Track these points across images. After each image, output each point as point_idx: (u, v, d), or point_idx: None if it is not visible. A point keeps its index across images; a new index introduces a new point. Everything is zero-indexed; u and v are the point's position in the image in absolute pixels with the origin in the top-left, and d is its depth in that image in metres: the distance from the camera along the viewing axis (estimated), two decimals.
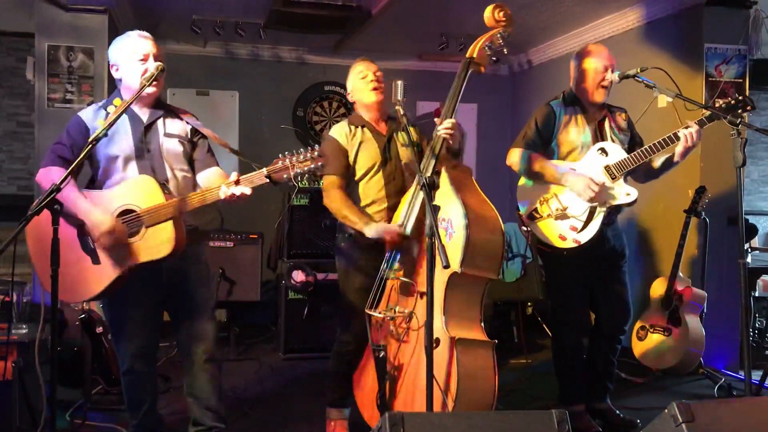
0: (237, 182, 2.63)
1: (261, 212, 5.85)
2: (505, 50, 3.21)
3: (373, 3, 5.31)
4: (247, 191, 2.63)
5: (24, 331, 3.42)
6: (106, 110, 2.85)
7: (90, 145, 2.51)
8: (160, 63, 2.77)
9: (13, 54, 6.57)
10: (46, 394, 3.23)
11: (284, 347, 5.00)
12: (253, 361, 4.94)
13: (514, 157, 3.47)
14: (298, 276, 4.94)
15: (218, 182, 2.86)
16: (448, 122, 2.99)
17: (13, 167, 6.67)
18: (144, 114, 2.88)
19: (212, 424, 2.98)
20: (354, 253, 3.28)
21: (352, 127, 3.32)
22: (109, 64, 2.89)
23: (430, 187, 2.60)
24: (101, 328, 3.80)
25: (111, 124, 2.58)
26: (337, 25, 5.77)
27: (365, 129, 3.32)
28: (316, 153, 2.58)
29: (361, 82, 3.33)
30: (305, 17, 5.38)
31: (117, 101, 2.83)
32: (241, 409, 3.86)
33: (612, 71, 3.39)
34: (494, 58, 3.20)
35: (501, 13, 3.17)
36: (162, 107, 2.94)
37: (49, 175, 2.69)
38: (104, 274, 2.71)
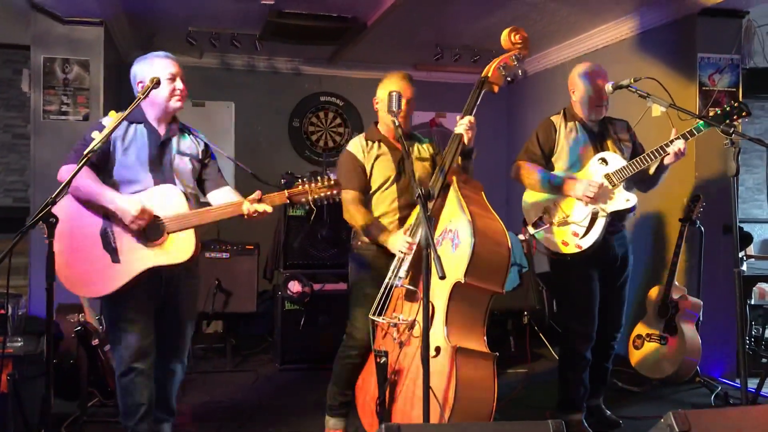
0: (260, 200, 2.84)
1: (257, 223, 5.85)
2: (520, 71, 3.30)
3: (368, 14, 5.33)
4: (269, 209, 2.86)
5: (19, 344, 3.42)
6: (128, 122, 2.97)
7: (85, 158, 2.56)
8: (155, 77, 2.87)
9: (9, 66, 6.58)
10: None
11: (281, 358, 4.99)
12: (249, 372, 4.92)
13: (519, 171, 3.60)
14: (295, 287, 4.93)
15: (234, 199, 3.04)
16: (466, 119, 3.11)
17: (8, 179, 6.66)
18: (161, 129, 3.03)
19: (161, 415, 3.18)
20: (369, 259, 3.30)
21: (369, 142, 3.36)
22: (135, 80, 3.00)
23: (426, 198, 2.63)
24: (97, 340, 3.79)
25: (107, 135, 2.68)
26: (333, 36, 5.79)
27: (381, 143, 3.36)
28: (333, 182, 2.83)
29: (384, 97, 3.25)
30: (300, 28, 5.40)
31: (112, 113, 2.86)
32: (237, 420, 3.85)
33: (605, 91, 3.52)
34: (509, 79, 3.29)
35: (517, 36, 3.26)
36: (176, 124, 3.10)
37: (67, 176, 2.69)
38: (125, 272, 2.82)
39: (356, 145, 3.38)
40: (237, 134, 6.74)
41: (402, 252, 3.01)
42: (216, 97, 6.66)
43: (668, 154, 3.30)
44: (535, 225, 3.58)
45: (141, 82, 2.98)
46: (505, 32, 3.28)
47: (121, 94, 5.74)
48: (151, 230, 2.83)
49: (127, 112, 2.79)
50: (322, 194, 2.83)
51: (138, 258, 2.82)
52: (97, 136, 2.76)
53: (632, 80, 3.29)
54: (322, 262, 5.11)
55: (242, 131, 6.77)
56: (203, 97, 6.62)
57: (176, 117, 3.11)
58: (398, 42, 6.13)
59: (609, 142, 3.57)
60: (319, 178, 2.85)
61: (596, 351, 3.66)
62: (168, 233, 2.83)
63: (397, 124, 2.98)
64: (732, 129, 2.83)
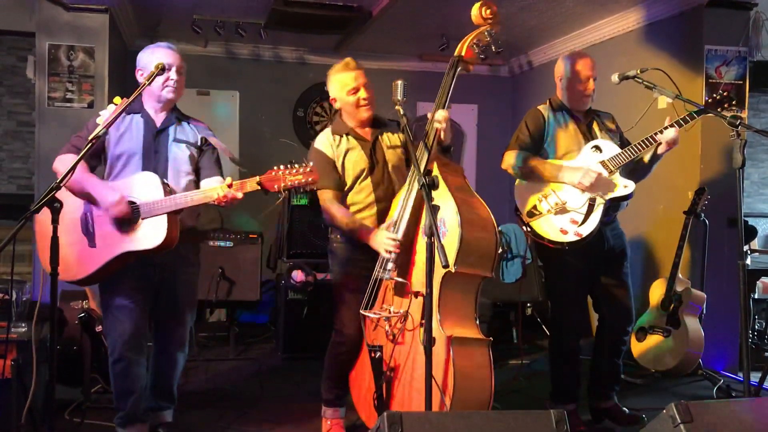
0: (230, 186, 2.77)
1: (261, 212, 5.85)
2: (493, 48, 3.20)
3: (374, 3, 5.31)
4: (239, 195, 2.78)
5: (23, 329, 3.43)
6: (126, 113, 2.99)
7: (90, 143, 2.59)
8: (160, 62, 2.90)
9: (14, 53, 6.58)
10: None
11: (283, 347, 5.00)
12: (252, 361, 4.94)
13: (510, 160, 3.50)
14: (298, 276, 4.94)
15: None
16: (441, 113, 2.96)
17: (13, 166, 6.67)
18: (159, 119, 3.06)
19: (163, 404, 3.25)
20: (348, 254, 3.27)
21: (336, 137, 3.26)
22: (136, 68, 3.06)
23: (430, 188, 2.60)
24: (100, 327, 3.80)
25: (110, 123, 2.69)
26: (338, 26, 5.78)
27: (349, 136, 3.26)
28: (308, 168, 2.70)
29: (348, 98, 3.20)
30: (306, 17, 5.39)
31: (117, 99, 2.86)
32: (239, 408, 3.86)
33: (594, 80, 3.49)
34: (482, 56, 3.19)
35: (488, 11, 3.12)
36: (177, 114, 3.12)
37: (63, 164, 2.86)
38: (98, 256, 2.86)
39: (323, 142, 3.27)
40: (241, 123, 6.73)
41: (388, 252, 2.95)
42: (220, 86, 6.66)
43: (660, 143, 3.28)
44: (530, 214, 3.48)
45: (140, 70, 3.04)
46: (476, 7, 3.12)
47: (125, 81, 5.73)
48: (126, 216, 2.85)
49: (132, 97, 2.80)
50: (296, 182, 2.72)
51: (111, 243, 2.86)
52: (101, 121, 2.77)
53: (638, 71, 3.26)
54: (325, 252, 5.06)
55: (246, 120, 6.75)
56: (208, 86, 6.61)
57: (176, 107, 3.14)
58: (403, 32, 6.11)
59: (596, 130, 3.54)
60: (295, 165, 2.75)
61: (607, 347, 3.63)
62: (142, 219, 2.83)
63: (402, 112, 2.95)
64: (738, 121, 2.81)
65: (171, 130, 3.07)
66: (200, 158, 3.14)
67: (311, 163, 2.77)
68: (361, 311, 3.06)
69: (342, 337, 3.31)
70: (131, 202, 2.84)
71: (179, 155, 3.06)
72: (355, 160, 3.23)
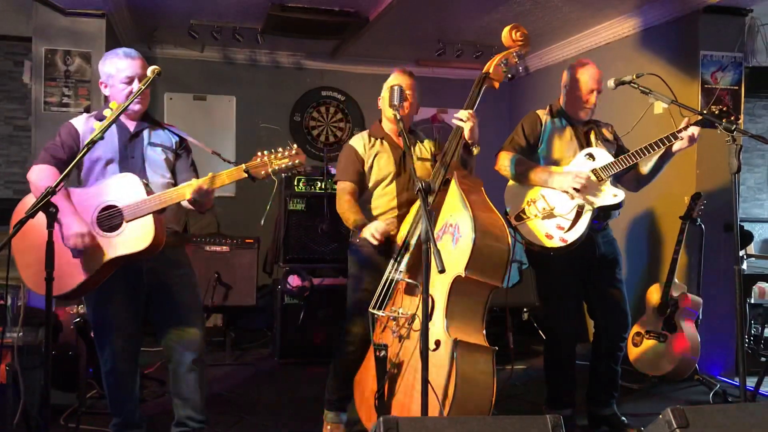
0: (213, 179, 2.74)
1: (257, 217, 5.84)
2: (520, 68, 3.31)
3: (371, 9, 5.33)
4: (217, 185, 2.74)
5: (18, 334, 3.41)
6: (97, 119, 2.94)
7: (86, 148, 2.57)
8: (157, 68, 2.83)
9: (11, 58, 6.56)
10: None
11: (280, 352, 4.99)
12: (248, 366, 4.93)
13: (503, 161, 3.52)
14: (294, 281, 4.93)
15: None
16: (463, 112, 3.08)
17: (9, 171, 6.65)
18: (131, 125, 3.00)
19: (196, 426, 3.08)
20: (366, 254, 3.30)
21: (372, 139, 3.40)
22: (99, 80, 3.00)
23: (426, 192, 2.61)
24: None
25: (106, 128, 2.65)
26: (335, 31, 5.79)
27: (383, 141, 3.39)
28: (294, 150, 2.71)
29: (387, 93, 3.30)
30: (303, 22, 5.40)
31: (113, 104, 2.85)
32: (236, 414, 3.85)
33: (599, 93, 3.48)
34: (510, 76, 3.29)
35: (518, 34, 3.30)
36: (148, 120, 3.05)
37: (42, 175, 2.81)
38: (84, 267, 2.77)
39: (358, 140, 3.41)
40: (238, 128, 6.72)
41: (373, 237, 3.04)
42: (217, 91, 6.66)
43: (682, 138, 3.23)
44: (518, 218, 3.49)
45: (102, 82, 2.97)
46: (506, 29, 3.30)
47: None
48: (109, 221, 2.77)
49: (126, 104, 2.76)
50: (284, 165, 2.68)
51: (98, 251, 2.76)
52: (97, 126, 2.74)
53: (635, 76, 3.27)
54: (321, 257, 5.10)
55: (243, 125, 6.74)
56: (205, 91, 6.62)
57: (148, 113, 3.06)
58: (400, 37, 6.12)
59: (593, 139, 3.54)
60: (279, 148, 2.69)
61: (604, 352, 3.62)
62: (126, 222, 2.75)
63: (398, 117, 2.99)
64: (734, 126, 2.82)
65: (145, 134, 3.00)
66: (176, 162, 3.07)
67: (295, 145, 2.77)
68: (369, 309, 3.08)
69: (351, 336, 3.34)
70: (112, 206, 2.77)
71: (155, 159, 2.99)
72: (384, 164, 3.34)
